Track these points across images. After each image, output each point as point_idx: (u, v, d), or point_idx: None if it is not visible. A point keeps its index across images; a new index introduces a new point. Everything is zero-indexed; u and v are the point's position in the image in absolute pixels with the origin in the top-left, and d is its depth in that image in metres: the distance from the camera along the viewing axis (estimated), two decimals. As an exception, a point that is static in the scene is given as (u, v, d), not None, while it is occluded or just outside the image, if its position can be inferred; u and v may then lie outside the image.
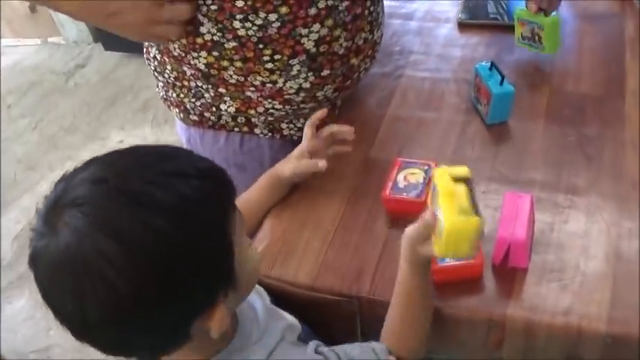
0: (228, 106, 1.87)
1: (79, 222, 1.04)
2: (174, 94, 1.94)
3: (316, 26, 1.69)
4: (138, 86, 4.86)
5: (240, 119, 1.91)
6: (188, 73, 1.84)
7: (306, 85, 1.79)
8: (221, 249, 1.15)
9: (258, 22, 1.64)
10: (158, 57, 1.89)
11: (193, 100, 1.91)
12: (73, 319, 1.09)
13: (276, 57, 1.72)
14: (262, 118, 1.89)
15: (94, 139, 4.42)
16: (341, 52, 1.78)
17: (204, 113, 1.93)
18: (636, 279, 1.48)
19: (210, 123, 1.95)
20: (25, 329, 3.43)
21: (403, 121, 1.96)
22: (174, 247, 1.06)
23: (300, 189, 1.78)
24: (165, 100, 2.01)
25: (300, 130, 1.94)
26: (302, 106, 1.86)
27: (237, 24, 1.65)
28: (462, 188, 1.32)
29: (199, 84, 1.85)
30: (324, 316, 1.58)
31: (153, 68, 1.96)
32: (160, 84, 1.98)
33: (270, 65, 1.73)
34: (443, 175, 1.34)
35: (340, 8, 1.70)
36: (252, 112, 1.87)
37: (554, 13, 2.05)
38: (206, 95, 1.87)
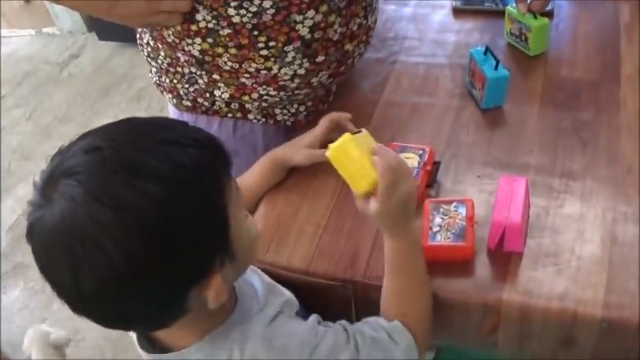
0: (222, 93, 1.87)
1: (74, 191, 1.04)
2: (168, 80, 1.94)
3: (311, 12, 1.68)
4: (132, 75, 4.85)
5: (234, 105, 1.91)
6: (182, 59, 1.83)
7: (301, 71, 1.79)
8: (216, 218, 1.15)
9: (253, 8, 1.64)
10: (151, 43, 1.88)
11: (187, 86, 1.90)
12: (69, 291, 1.08)
13: (271, 44, 1.71)
14: (256, 104, 1.89)
15: (88, 129, 4.39)
16: (335, 37, 1.78)
17: (197, 99, 1.93)
18: (632, 263, 1.48)
19: (203, 109, 1.94)
20: (20, 319, 3.43)
21: (397, 106, 1.95)
22: (168, 215, 1.06)
23: (294, 174, 1.78)
24: (159, 85, 2.00)
25: (294, 115, 1.94)
26: (296, 92, 1.85)
27: (231, 11, 1.64)
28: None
29: (193, 70, 1.84)
30: (319, 301, 1.58)
31: (146, 54, 1.95)
32: (154, 69, 1.98)
33: (264, 52, 1.73)
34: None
35: None
36: (246, 98, 1.86)
37: (549, 7, 2.06)
38: (200, 81, 1.86)
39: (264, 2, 1.62)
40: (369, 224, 1.61)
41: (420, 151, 1.69)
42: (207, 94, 1.89)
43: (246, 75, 1.79)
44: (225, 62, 1.77)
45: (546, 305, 1.43)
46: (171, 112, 2.05)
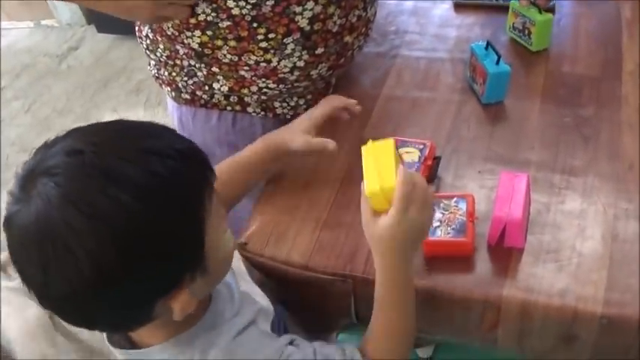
0: (221, 85, 1.86)
1: (50, 192, 1.03)
2: (166, 73, 1.94)
3: (310, 4, 1.68)
4: (131, 68, 4.84)
5: (233, 98, 1.91)
6: (181, 52, 1.83)
7: (301, 63, 1.79)
8: (191, 232, 1.14)
9: (252, 0, 1.63)
10: (150, 36, 1.88)
11: (186, 78, 1.90)
12: (38, 288, 1.09)
13: (270, 35, 1.71)
14: (255, 97, 1.89)
15: (87, 121, 4.32)
16: (335, 29, 1.77)
17: (196, 92, 1.93)
18: (632, 260, 1.47)
19: (202, 102, 1.94)
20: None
21: (398, 100, 1.95)
22: (140, 226, 1.05)
23: (293, 168, 1.77)
24: (157, 78, 2.00)
25: (293, 109, 1.93)
26: (296, 84, 1.85)
27: (231, 3, 1.64)
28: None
29: (192, 63, 1.84)
30: (318, 296, 1.58)
31: (145, 47, 1.95)
32: (152, 62, 1.97)
33: (264, 44, 1.73)
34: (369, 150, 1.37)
35: None
36: (246, 91, 1.86)
37: (551, 3, 2.05)
38: (199, 74, 1.86)
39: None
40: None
41: (421, 146, 1.69)
42: (206, 87, 1.89)
43: (246, 67, 1.78)
44: (225, 55, 1.76)
45: (547, 302, 1.43)
46: (170, 105, 2.05)
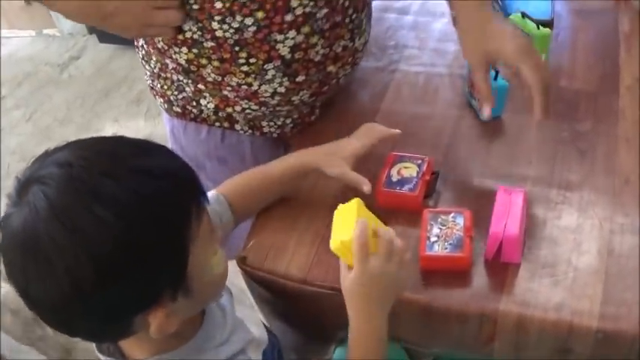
0: (208, 102, 1.88)
1: (39, 202, 1.05)
2: (159, 85, 1.95)
3: (292, 33, 1.67)
4: (132, 78, 4.84)
5: (222, 114, 1.91)
6: (170, 66, 1.84)
7: (281, 89, 1.78)
8: (173, 253, 1.14)
9: (235, 24, 1.63)
10: (145, 47, 1.89)
11: (176, 92, 1.92)
12: (20, 292, 1.11)
13: (252, 60, 1.71)
14: (242, 115, 1.89)
15: (88, 131, 4.41)
16: (317, 59, 1.77)
17: (186, 106, 1.94)
18: (628, 275, 1.48)
19: (192, 115, 1.95)
20: (18, 321, 3.42)
21: (397, 115, 1.95)
22: (119, 244, 1.06)
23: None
24: (152, 89, 2.01)
25: (280, 127, 1.95)
26: (278, 108, 1.85)
27: (215, 25, 1.64)
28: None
29: (180, 78, 1.85)
30: (316, 309, 1.59)
31: (141, 57, 1.96)
32: (147, 73, 1.99)
33: (245, 68, 1.72)
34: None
35: (318, 16, 1.68)
36: (230, 110, 1.87)
37: (549, 16, 2.07)
38: (187, 89, 1.87)
39: (246, 19, 1.62)
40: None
41: (419, 161, 1.70)
42: (194, 103, 1.90)
43: (229, 88, 1.79)
44: (209, 74, 1.77)
45: (543, 316, 1.44)
46: (164, 117, 2.06)
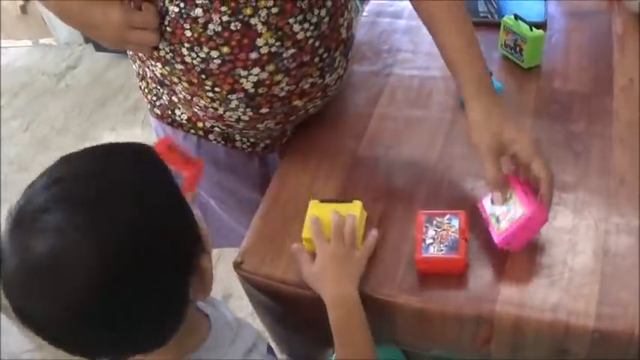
0: (182, 113, 1.90)
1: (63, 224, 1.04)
2: (143, 86, 1.98)
3: (256, 69, 1.67)
4: (129, 87, 4.85)
5: (196, 124, 1.92)
6: (148, 74, 1.87)
7: (245, 117, 1.79)
8: (184, 217, 1.20)
9: (202, 54, 1.65)
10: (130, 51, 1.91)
11: (154, 98, 1.94)
12: (38, 323, 1.10)
13: (216, 89, 1.71)
14: (213, 130, 1.91)
15: (85, 140, 4.41)
16: (282, 94, 1.76)
17: (164, 112, 1.95)
18: (624, 275, 1.49)
19: (169, 120, 1.96)
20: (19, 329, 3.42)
21: (391, 119, 1.95)
22: (144, 236, 1.09)
23: (288, 188, 1.79)
24: (140, 88, 2.03)
25: (252, 145, 1.96)
26: (244, 131, 1.87)
27: (184, 51, 1.66)
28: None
29: (158, 87, 1.87)
30: (314, 313, 1.58)
31: (129, 57, 1.97)
32: (134, 72, 2.00)
33: (210, 94, 1.73)
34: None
35: (284, 55, 1.67)
36: (201, 124, 1.90)
37: (543, 18, 2.07)
38: (164, 97, 1.89)
39: (212, 52, 1.63)
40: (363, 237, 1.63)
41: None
42: (169, 111, 1.92)
43: (197, 107, 1.80)
44: (180, 91, 1.78)
45: (539, 317, 1.44)
46: (150, 117, 2.07)
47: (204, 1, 1.57)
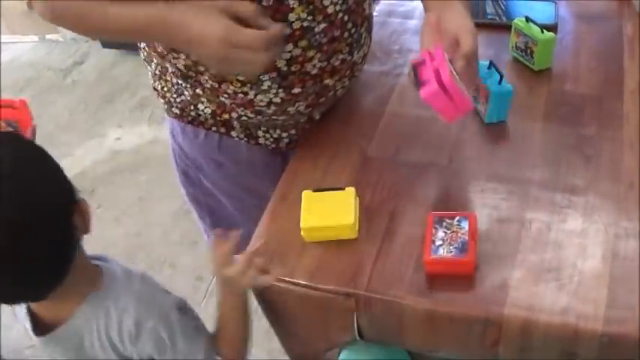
0: (205, 107, 1.88)
1: None
2: (160, 86, 1.96)
3: (289, 46, 1.66)
4: (135, 84, 4.85)
5: (219, 119, 1.91)
6: (170, 69, 1.84)
7: (277, 99, 1.78)
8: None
9: None
10: (147, 49, 1.89)
11: (175, 95, 1.92)
12: None
13: None
14: (238, 122, 1.90)
15: (91, 137, 4.42)
16: (314, 72, 1.75)
17: (184, 109, 1.94)
18: (632, 278, 1.48)
19: (190, 118, 1.95)
20: (21, 325, 3.42)
21: (402, 118, 1.95)
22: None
23: (297, 186, 1.78)
24: (154, 89, 2.01)
25: (276, 141, 1.95)
26: (274, 117, 1.85)
27: None
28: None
29: (180, 82, 1.85)
30: (321, 313, 1.59)
31: (143, 58, 1.96)
32: (150, 73, 1.99)
33: (241, 77, 1.72)
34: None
35: (316, 30, 1.67)
36: (227, 116, 1.88)
37: (553, 21, 2.07)
38: (185, 93, 1.88)
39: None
40: (373, 237, 1.63)
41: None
42: (192, 107, 1.91)
43: (225, 95, 1.79)
44: (207, 80, 1.76)
45: (548, 320, 1.44)
46: (166, 118, 2.06)
47: None
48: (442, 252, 1.52)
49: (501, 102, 1.83)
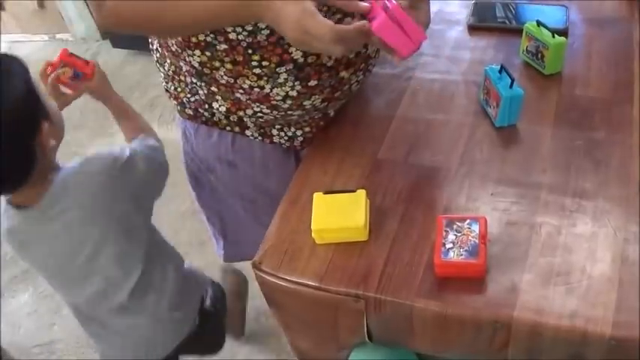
0: (220, 105, 1.89)
1: None
2: (173, 87, 1.97)
3: None
4: (145, 84, 4.85)
5: (233, 118, 1.92)
6: (184, 68, 1.86)
7: (293, 93, 1.78)
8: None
9: (249, 27, 1.63)
10: (159, 50, 1.90)
11: (189, 95, 1.93)
12: None
13: (264, 63, 1.71)
14: (253, 120, 1.90)
15: (101, 136, 4.42)
16: (330, 63, 1.76)
17: (198, 109, 1.95)
18: (642, 283, 1.49)
19: (203, 119, 1.97)
20: (29, 323, 3.44)
21: (412, 122, 1.96)
22: None
23: (308, 189, 1.79)
24: (166, 91, 2.03)
25: (290, 139, 1.96)
26: (289, 112, 1.86)
27: (228, 28, 1.64)
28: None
29: (194, 80, 1.86)
30: (331, 315, 1.59)
31: (155, 59, 1.98)
32: (162, 75, 2.00)
33: (257, 70, 1.73)
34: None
35: (332, 20, 1.65)
36: (242, 113, 1.88)
37: (564, 25, 2.08)
38: (200, 92, 1.89)
39: (260, 22, 1.61)
40: (383, 239, 1.64)
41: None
42: (207, 106, 1.92)
43: (241, 91, 1.80)
44: (222, 76, 1.78)
45: (556, 323, 1.44)
46: (177, 118, 2.08)
47: None
48: (452, 255, 1.52)
49: (512, 106, 1.83)
